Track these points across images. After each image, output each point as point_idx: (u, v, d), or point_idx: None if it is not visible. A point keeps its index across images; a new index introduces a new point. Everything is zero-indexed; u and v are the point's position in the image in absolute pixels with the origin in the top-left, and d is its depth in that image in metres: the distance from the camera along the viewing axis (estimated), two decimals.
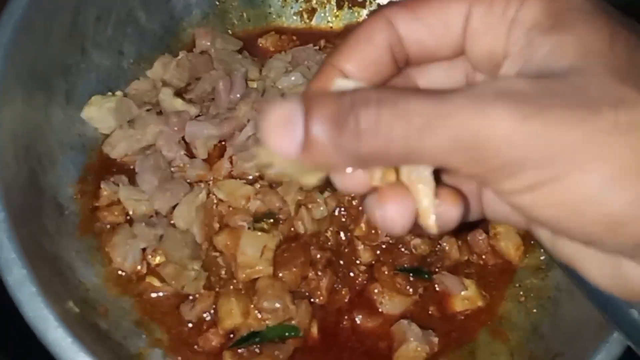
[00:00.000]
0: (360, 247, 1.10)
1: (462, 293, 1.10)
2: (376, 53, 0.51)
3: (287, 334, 1.02)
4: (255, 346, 1.00)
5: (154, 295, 1.03)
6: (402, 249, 1.10)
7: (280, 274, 1.04)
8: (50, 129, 1.05)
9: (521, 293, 1.12)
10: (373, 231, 1.09)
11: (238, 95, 1.19)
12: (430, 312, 1.09)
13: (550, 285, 1.10)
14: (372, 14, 0.55)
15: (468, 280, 1.11)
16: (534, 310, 1.09)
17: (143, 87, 1.19)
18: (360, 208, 1.09)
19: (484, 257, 1.14)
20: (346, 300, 1.08)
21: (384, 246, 1.10)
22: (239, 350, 1.00)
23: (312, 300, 1.06)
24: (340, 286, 1.08)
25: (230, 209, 1.09)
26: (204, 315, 1.03)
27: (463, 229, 1.15)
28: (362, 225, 1.09)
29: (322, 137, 0.43)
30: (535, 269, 1.13)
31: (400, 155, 0.43)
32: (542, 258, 1.13)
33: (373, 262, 1.10)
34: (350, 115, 0.43)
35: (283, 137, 0.44)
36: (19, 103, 0.97)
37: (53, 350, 0.78)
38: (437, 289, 1.10)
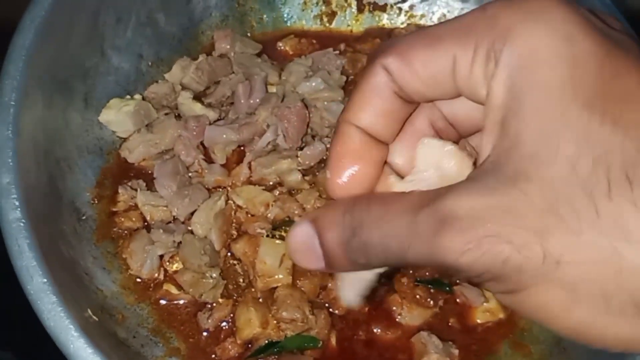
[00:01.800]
0: None
1: (484, 305, 1.08)
2: (385, 102, 0.54)
3: (306, 344, 1.01)
4: (273, 357, 0.99)
5: (171, 303, 1.02)
6: None
7: (299, 284, 1.02)
8: (69, 133, 1.04)
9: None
10: None
11: (257, 100, 1.17)
12: (450, 324, 1.07)
13: None
14: (369, 60, 0.56)
15: (488, 292, 1.09)
16: None
17: (161, 91, 1.18)
18: None
19: None
20: (365, 311, 1.06)
21: None
22: None
23: (331, 310, 1.04)
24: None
25: (249, 215, 1.08)
26: (221, 324, 1.02)
27: None
28: None
29: (337, 255, 0.53)
30: None
31: (400, 261, 0.50)
32: None
33: (393, 274, 1.08)
34: (354, 238, 0.51)
35: (308, 259, 0.55)
36: (39, 107, 0.96)
37: None
38: (458, 301, 1.09)
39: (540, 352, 1.05)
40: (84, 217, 1.02)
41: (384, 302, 1.07)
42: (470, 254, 0.45)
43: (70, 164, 1.03)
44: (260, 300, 1.02)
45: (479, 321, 1.08)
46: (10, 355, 1.19)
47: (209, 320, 1.01)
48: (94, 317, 0.87)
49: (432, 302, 1.06)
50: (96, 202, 1.05)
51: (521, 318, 1.09)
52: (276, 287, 1.02)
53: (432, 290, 1.07)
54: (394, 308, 1.07)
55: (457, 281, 1.09)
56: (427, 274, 1.07)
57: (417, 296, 1.06)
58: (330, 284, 1.04)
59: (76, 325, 0.78)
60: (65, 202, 0.99)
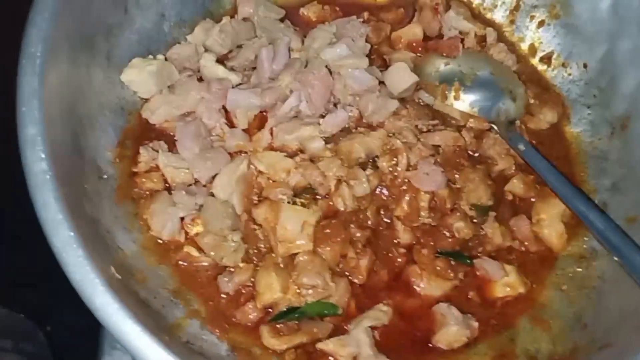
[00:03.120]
0: (400, 227, 1.08)
1: (503, 279, 1.07)
2: None
3: (326, 311, 1.00)
4: (293, 322, 0.99)
5: (191, 265, 1.01)
6: (444, 232, 1.08)
7: (320, 251, 1.01)
8: (92, 90, 1.02)
9: (563, 281, 1.09)
10: (414, 212, 1.07)
11: (281, 65, 1.15)
12: (469, 297, 1.07)
13: (594, 274, 1.08)
14: None
15: (509, 266, 1.08)
16: (577, 300, 1.07)
17: (184, 52, 1.16)
18: (403, 187, 1.07)
19: (526, 243, 1.11)
20: (385, 280, 1.06)
21: (424, 228, 1.08)
22: (277, 326, 0.98)
23: (350, 279, 1.03)
24: (379, 267, 1.06)
25: (270, 181, 1.07)
26: (242, 288, 1.01)
27: (506, 214, 1.13)
28: (404, 205, 1.07)
29: None
30: (579, 257, 1.11)
31: None
32: (585, 247, 1.11)
33: (413, 244, 1.07)
34: None
35: None
36: (64, 61, 0.94)
37: (99, 316, 0.76)
38: (478, 274, 1.08)
39: (560, 327, 1.04)
40: (105, 176, 1.01)
41: (404, 273, 1.07)
42: None
43: (93, 122, 1.01)
44: (282, 265, 1.01)
45: (498, 295, 1.07)
46: (22, 318, 1.18)
47: (229, 284, 1.00)
48: (118, 275, 0.86)
49: (452, 274, 1.06)
50: (117, 161, 1.04)
51: (541, 293, 1.09)
52: (297, 253, 1.01)
53: (452, 263, 1.06)
54: (413, 279, 1.06)
55: (478, 254, 1.08)
56: (447, 247, 1.06)
57: (437, 267, 1.05)
58: (350, 253, 1.03)
59: (102, 280, 0.77)
60: (87, 160, 0.97)
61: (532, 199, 1.14)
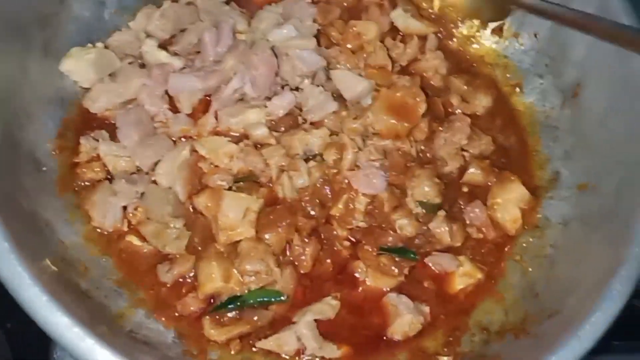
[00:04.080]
0: (336, 225, 1.05)
1: (460, 270, 1.05)
2: None
3: (270, 298, 0.98)
4: (235, 312, 0.97)
5: (133, 254, 0.99)
6: (385, 229, 1.05)
7: (266, 236, 0.99)
8: (27, 82, 1.00)
9: (517, 252, 1.09)
10: (349, 213, 1.04)
11: (225, 48, 1.13)
12: (425, 286, 1.05)
13: (547, 243, 1.08)
14: None
15: (461, 256, 1.07)
16: (530, 269, 1.06)
17: (125, 39, 1.14)
18: (342, 186, 1.05)
19: (484, 230, 1.09)
20: (330, 271, 1.03)
21: (364, 228, 1.05)
22: (217, 317, 0.96)
23: (297, 268, 1.01)
24: (324, 258, 1.04)
25: (212, 166, 1.04)
26: (182, 279, 0.98)
27: (454, 205, 1.11)
28: (340, 204, 1.04)
29: None
30: (533, 227, 1.10)
31: None
32: (539, 216, 1.10)
33: (354, 240, 1.05)
34: None
35: None
36: None
37: (27, 309, 0.75)
38: (434, 269, 1.06)
39: (513, 298, 1.04)
40: (44, 169, 0.99)
41: (348, 267, 1.04)
42: None
43: (29, 114, 0.99)
44: (225, 255, 0.99)
45: (459, 287, 1.05)
46: None
47: (168, 274, 0.98)
48: (53, 267, 0.85)
49: (396, 271, 1.03)
50: (58, 153, 1.02)
51: (499, 268, 1.08)
52: (239, 241, 0.99)
53: (397, 259, 1.04)
54: (358, 275, 1.04)
55: (426, 252, 1.06)
56: (389, 244, 1.04)
57: (382, 264, 1.03)
58: (296, 240, 1.01)
59: (30, 272, 0.75)
60: (24, 152, 0.96)
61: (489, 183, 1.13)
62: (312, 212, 1.04)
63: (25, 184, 0.92)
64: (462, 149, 1.13)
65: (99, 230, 0.99)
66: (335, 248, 1.05)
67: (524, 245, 1.09)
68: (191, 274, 0.99)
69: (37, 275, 0.76)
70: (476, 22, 1.29)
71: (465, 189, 1.13)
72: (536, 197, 1.12)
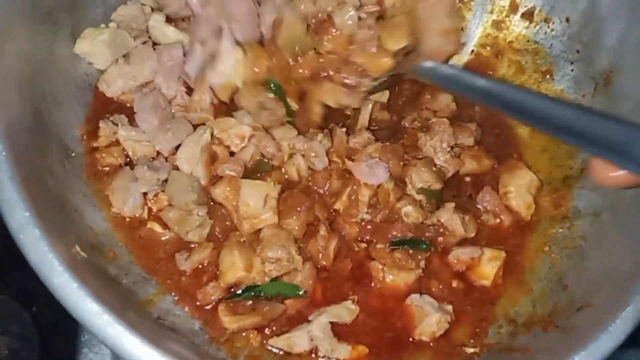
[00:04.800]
0: (341, 221, 1.04)
1: (484, 257, 1.05)
2: None
3: (286, 292, 0.97)
4: (249, 302, 0.96)
5: (153, 241, 0.99)
6: (392, 220, 1.04)
7: (287, 221, 0.99)
8: (55, 67, 1.00)
9: (546, 243, 1.08)
10: (353, 206, 1.03)
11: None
12: (454, 286, 1.04)
13: (577, 234, 1.06)
14: None
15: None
16: (559, 260, 1.05)
17: (130, 13, 1.11)
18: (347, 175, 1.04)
19: (500, 214, 1.09)
20: (349, 270, 1.02)
21: (369, 227, 1.04)
22: (232, 305, 0.96)
23: (317, 263, 1.00)
24: (343, 255, 1.03)
25: (227, 150, 1.03)
26: (200, 265, 0.98)
27: (461, 195, 1.11)
28: (344, 197, 1.03)
29: None
30: (562, 218, 1.09)
31: None
32: (569, 207, 1.09)
33: (365, 240, 1.04)
34: None
35: None
36: (23, 39, 0.92)
37: (58, 295, 0.75)
38: (459, 267, 1.05)
39: (541, 290, 1.03)
40: (72, 154, 0.99)
41: (364, 267, 1.03)
42: None
43: (58, 100, 0.99)
44: (246, 244, 0.98)
45: (491, 273, 1.04)
46: (7, 299, 1.18)
47: (187, 262, 0.97)
48: (83, 254, 0.85)
49: (413, 264, 1.02)
50: (86, 138, 1.02)
51: (525, 256, 1.07)
52: (261, 229, 0.98)
53: (410, 252, 1.02)
54: (375, 275, 1.03)
55: (441, 247, 1.05)
56: (399, 236, 1.02)
57: (397, 259, 1.02)
58: (322, 231, 1.00)
59: (60, 259, 0.75)
60: (52, 137, 0.96)
61: (495, 165, 1.12)
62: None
63: (55, 170, 0.93)
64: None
65: (124, 217, 0.99)
66: (354, 249, 1.04)
67: (553, 236, 1.08)
68: (209, 262, 0.98)
69: (67, 262, 0.76)
70: (506, 6, 1.27)
71: (467, 179, 1.12)
72: (566, 187, 1.10)
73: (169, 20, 1.11)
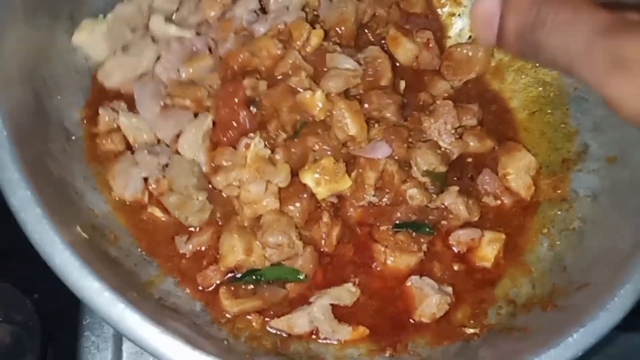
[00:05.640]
0: (347, 206, 1.05)
1: (484, 239, 1.05)
2: None
3: (287, 276, 0.98)
4: (250, 286, 0.96)
5: (152, 225, 0.99)
6: (396, 203, 1.04)
7: (289, 208, 0.98)
8: (55, 52, 1.01)
9: (545, 225, 1.08)
10: (360, 189, 1.03)
11: None
12: (456, 270, 1.05)
13: (575, 216, 1.06)
14: None
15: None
16: (558, 242, 1.05)
17: (127, 11, 1.10)
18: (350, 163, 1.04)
19: (501, 195, 1.10)
20: (352, 254, 1.03)
21: (371, 210, 1.04)
22: (233, 289, 0.96)
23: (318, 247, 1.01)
24: (347, 240, 1.03)
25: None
26: (202, 248, 0.98)
27: (463, 177, 1.11)
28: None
29: (509, 41, 0.59)
30: (560, 200, 1.09)
31: (563, 71, 0.56)
32: (567, 190, 1.10)
33: (368, 223, 1.04)
34: (532, 33, 0.56)
35: (484, 31, 0.61)
36: (23, 23, 0.92)
37: (60, 274, 0.75)
38: (459, 248, 1.05)
39: (541, 271, 1.04)
40: (73, 137, 0.99)
41: (366, 251, 1.04)
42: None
43: (58, 84, 1.00)
44: (247, 228, 0.98)
45: (491, 255, 1.05)
46: (9, 287, 1.19)
47: (188, 245, 0.98)
48: (84, 234, 0.86)
49: (416, 247, 1.02)
50: (86, 122, 1.02)
51: (524, 238, 1.08)
52: (261, 215, 0.98)
53: (413, 235, 1.03)
54: (377, 256, 1.03)
55: (445, 231, 1.06)
56: (402, 218, 1.03)
57: (400, 242, 1.02)
58: (324, 218, 1.00)
59: (62, 238, 0.76)
60: (53, 121, 0.96)
61: (495, 148, 1.13)
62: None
63: (56, 153, 0.93)
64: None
65: (121, 200, 0.99)
66: (356, 232, 1.05)
67: (552, 218, 1.08)
68: (209, 246, 0.99)
69: (69, 241, 0.77)
70: None
71: (469, 159, 1.13)
72: (564, 170, 1.11)
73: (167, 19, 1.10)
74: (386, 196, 1.04)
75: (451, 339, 0.98)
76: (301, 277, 0.98)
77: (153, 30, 1.09)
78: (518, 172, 1.10)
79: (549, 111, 1.19)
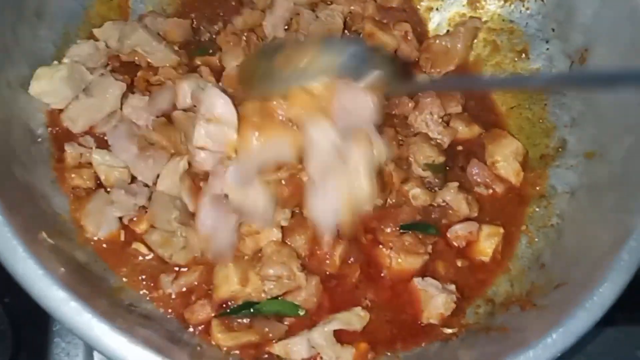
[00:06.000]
0: None
1: (482, 234, 1.04)
2: None
3: (286, 311, 0.93)
4: (247, 319, 0.92)
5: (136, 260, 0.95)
6: (399, 204, 1.03)
7: (292, 240, 0.96)
8: (19, 49, 0.97)
9: (523, 222, 1.07)
10: None
11: None
12: (459, 266, 1.03)
13: (553, 212, 1.06)
14: None
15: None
16: (536, 240, 1.05)
17: (84, 51, 1.06)
18: None
19: (491, 184, 1.09)
20: (357, 275, 0.99)
21: (375, 213, 1.01)
22: (227, 321, 0.92)
23: (323, 269, 0.98)
24: (352, 259, 1.00)
25: None
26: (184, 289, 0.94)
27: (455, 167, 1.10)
28: None
29: None
30: (539, 197, 1.08)
31: None
32: (545, 186, 1.09)
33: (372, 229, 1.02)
34: None
35: None
36: None
37: (23, 283, 0.73)
38: (458, 243, 1.04)
39: (519, 269, 1.03)
40: (39, 140, 0.97)
41: (373, 259, 1.01)
42: None
43: (23, 84, 0.97)
44: (243, 257, 0.94)
45: (490, 249, 1.03)
46: None
47: (173, 285, 0.93)
48: (49, 240, 0.83)
49: (422, 248, 1.01)
50: (51, 124, 0.99)
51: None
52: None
53: (420, 237, 1.01)
54: (382, 261, 1.01)
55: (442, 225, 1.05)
56: (407, 220, 1.02)
57: (406, 243, 1.00)
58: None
59: (25, 246, 0.73)
60: (16, 122, 0.93)
61: (482, 133, 1.13)
62: None
63: (20, 155, 0.90)
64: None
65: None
66: (361, 242, 1.02)
67: (530, 215, 1.08)
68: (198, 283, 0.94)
69: (32, 248, 0.74)
70: None
71: (460, 147, 1.13)
72: (543, 166, 1.10)
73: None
74: (388, 198, 1.03)
75: (429, 340, 0.96)
76: (301, 313, 0.94)
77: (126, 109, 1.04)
78: (506, 158, 1.10)
79: (527, 106, 1.18)
